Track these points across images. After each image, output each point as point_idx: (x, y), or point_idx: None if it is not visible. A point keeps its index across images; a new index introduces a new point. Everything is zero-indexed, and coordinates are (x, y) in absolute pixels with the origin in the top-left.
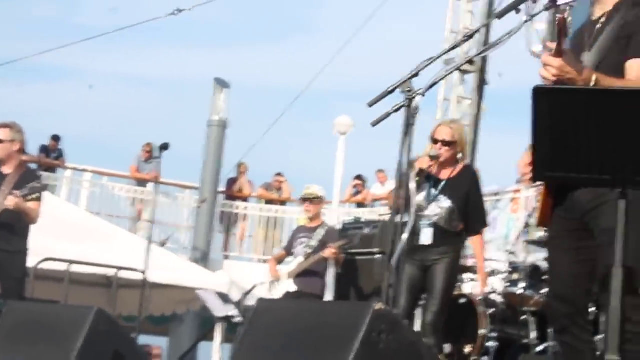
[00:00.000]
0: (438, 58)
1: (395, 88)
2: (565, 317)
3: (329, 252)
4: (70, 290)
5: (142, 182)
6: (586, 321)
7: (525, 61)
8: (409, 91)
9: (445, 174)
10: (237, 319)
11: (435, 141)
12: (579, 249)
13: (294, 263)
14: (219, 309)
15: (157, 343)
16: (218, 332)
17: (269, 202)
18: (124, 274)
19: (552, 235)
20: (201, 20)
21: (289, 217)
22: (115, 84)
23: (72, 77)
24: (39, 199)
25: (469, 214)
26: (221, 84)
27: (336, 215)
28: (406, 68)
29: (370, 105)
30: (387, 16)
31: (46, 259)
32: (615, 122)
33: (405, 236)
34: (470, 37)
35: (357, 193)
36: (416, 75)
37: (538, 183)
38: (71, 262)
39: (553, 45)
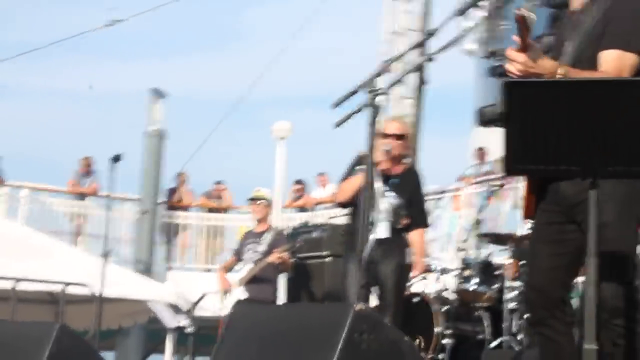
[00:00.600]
0: (399, 58)
1: (359, 88)
2: (543, 308)
3: (274, 257)
4: (17, 310)
5: (81, 196)
6: (563, 313)
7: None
8: (372, 91)
9: (392, 170)
10: (189, 329)
11: (385, 136)
12: (560, 241)
13: (244, 270)
14: (170, 320)
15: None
16: (169, 344)
17: (210, 210)
18: (70, 289)
19: (535, 227)
20: (137, 32)
21: (230, 224)
22: (50, 98)
23: (5, 93)
24: None
25: (412, 212)
26: (157, 94)
27: (277, 221)
28: (344, 72)
29: (335, 106)
30: (321, 21)
31: None
32: (583, 114)
33: (372, 236)
34: (432, 34)
35: (298, 198)
36: (378, 75)
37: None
38: (17, 279)
39: (518, 40)
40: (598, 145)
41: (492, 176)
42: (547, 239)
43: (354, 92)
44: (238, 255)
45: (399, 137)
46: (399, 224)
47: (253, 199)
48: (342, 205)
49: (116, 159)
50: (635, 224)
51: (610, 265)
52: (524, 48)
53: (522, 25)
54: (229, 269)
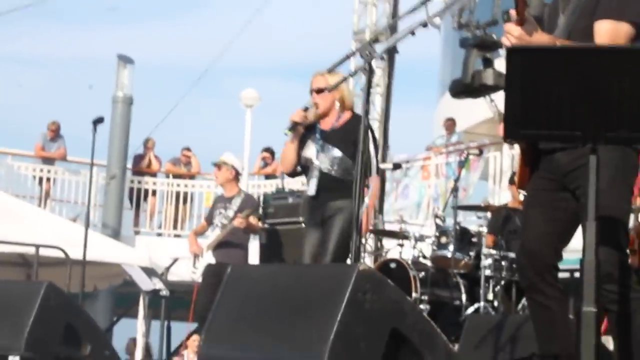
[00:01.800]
0: (392, 25)
1: (355, 52)
2: (535, 273)
3: (237, 221)
4: None
5: (48, 161)
6: (555, 278)
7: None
8: (368, 54)
9: (329, 124)
10: (164, 292)
11: (311, 92)
12: (554, 208)
13: (212, 235)
14: (146, 283)
15: None
16: (141, 307)
17: (177, 176)
18: (42, 252)
19: (529, 193)
20: None
21: (198, 191)
22: (15, 65)
23: None
24: None
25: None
26: (125, 60)
27: (245, 187)
28: (318, 43)
29: (330, 71)
30: None
31: None
32: (585, 80)
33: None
34: (427, 1)
35: (266, 165)
36: (376, 40)
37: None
38: None
39: (514, 13)
40: (598, 110)
41: (462, 146)
42: (541, 205)
43: (349, 56)
44: (209, 220)
45: (321, 91)
46: (345, 176)
47: (216, 165)
48: (290, 175)
49: (98, 121)
50: (629, 191)
51: (604, 232)
52: (520, 21)
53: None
54: (199, 233)
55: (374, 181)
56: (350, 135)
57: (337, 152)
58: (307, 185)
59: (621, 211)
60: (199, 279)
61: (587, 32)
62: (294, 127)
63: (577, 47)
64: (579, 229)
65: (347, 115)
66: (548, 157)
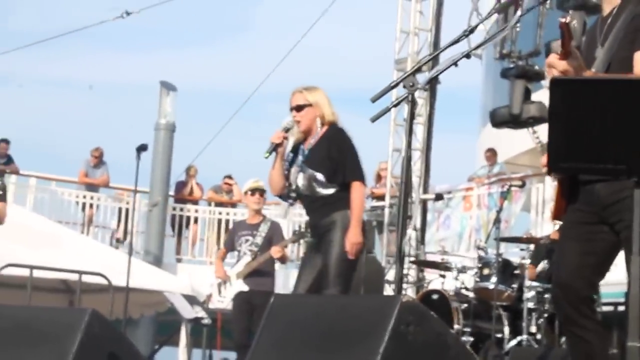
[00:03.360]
0: (437, 55)
1: (399, 83)
2: (570, 305)
3: (275, 251)
4: (32, 297)
5: (91, 187)
6: (592, 310)
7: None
8: (412, 86)
9: (309, 143)
10: (205, 321)
11: (291, 110)
12: (590, 240)
13: (242, 263)
14: (188, 311)
15: None
16: (183, 335)
17: (219, 204)
18: (85, 278)
19: (564, 225)
20: (148, 24)
21: (240, 219)
22: (58, 88)
23: (12, 83)
24: (3, 198)
25: (336, 172)
26: (167, 87)
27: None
28: (361, 70)
29: (374, 100)
30: (334, 16)
31: (8, 265)
32: (629, 112)
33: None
34: (472, 31)
35: None
36: (419, 70)
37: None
38: (33, 267)
39: (558, 45)
40: None
41: (504, 177)
42: (577, 237)
43: (392, 87)
44: (230, 246)
45: (301, 107)
46: (320, 193)
47: (253, 190)
48: (282, 198)
49: (142, 148)
50: None
51: None
52: (565, 55)
53: (566, 32)
54: (222, 259)
55: (355, 188)
56: (324, 150)
57: (312, 172)
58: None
59: None
60: (227, 306)
61: (627, 63)
62: (274, 149)
63: (619, 79)
64: (622, 261)
65: (323, 130)
66: (587, 189)
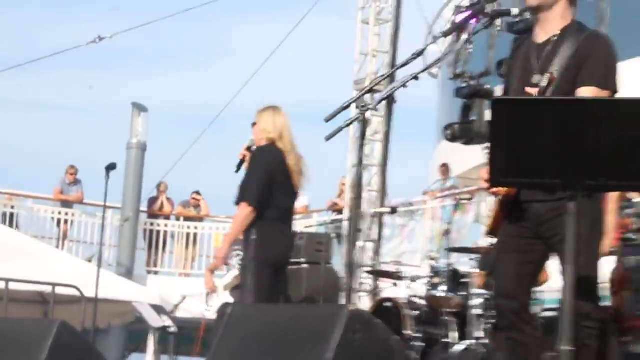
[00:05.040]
0: (388, 76)
1: (351, 104)
2: (512, 313)
3: None
4: (8, 309)
5: (66, 204)
6: (530, 317)
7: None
8: (363, 106)
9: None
10: (172, 329)
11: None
12: (527, 252)
13: (230, 275)
14: (155, 320)
15: None
16: (151, 343)
17: (188, 219)
18: (59, 290)
19: (502, 240)
20: (120, 48)
21: (207, 233)
22: (33, 110)
23: None
24: None
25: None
26: (139, 108)
27: None
28: (322, 90)
29: (327, 120)
30: (299, 40)
31: None
32: (565, 130)
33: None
34: (420, 54)
35: None
36: (370, 90)
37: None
38: (9, 280)
39: None
40: (578, 160)
41: (457, 191)
42: (515, 249)
43: (345, 108)
44: (224, 260)
45: (254, 125)
46: None
47: None
48: None
49: (111, 167)
50: (601, 238)
51: (584, 275)
52: None
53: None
54: (212, 272)
55: (240, 208)
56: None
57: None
58: None
59: (597, 255)
60: (212, 316)
61: (570, 94)
62: (240, 164)
63: (558, 99)
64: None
65: None
66: (525, 207)
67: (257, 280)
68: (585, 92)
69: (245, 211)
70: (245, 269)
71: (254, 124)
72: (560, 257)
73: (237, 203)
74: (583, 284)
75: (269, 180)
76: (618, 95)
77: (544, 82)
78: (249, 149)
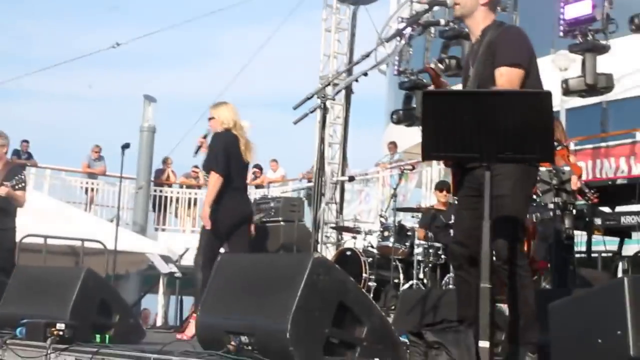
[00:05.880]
0: (344, 72)
1: (314, 95)
2: (463, 257)
3: None
4: (47, 259)
5: (92, 175)
6: (476, 262)
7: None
8: (323, 96)
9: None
10: (178, 275)
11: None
12: (475, 209)
13: None
14: (164, 267)
15: None
16: (161, 286)
17: (189, 187)
18: (87, 244)
19: (459, 199)
20: (134, 51)
21: (203, 197)
22: (67, 101)
23: (33, 97)
24: (24, 188)
25: (208, 163)
26: (149, 99)
27: None
28: (295, 83)
29: (295, 108)
30: (276, 44)
31: (28, 235)
32: (479, 115)
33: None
34: (367, 56)
35: (256, 178)
36: (329, 84)
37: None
38: (47, 236)
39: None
40: (491, 138)
41: (402, 163)
42: (467, 207)
43: (309, 98)
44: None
45: (210, 119)
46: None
47: None
48: None
49: (125, 146)
50: (525, 196)
51: (505, 226)
52: (437, 86)
53: (432, 73)
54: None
55: (210, 177)
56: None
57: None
58: None
59: (519, 210)
60: None
61: (492, 78)
62: (197, 149)
63: (473, 91)
64: None
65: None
66: (470, 171)
67: (207, 231)
68: (501, 72)
69: (214, 178)
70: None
71: (210, 119)
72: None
73: (207, 172)
74: (504, 234)
75: (227, 156)
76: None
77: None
78: (204, 137)
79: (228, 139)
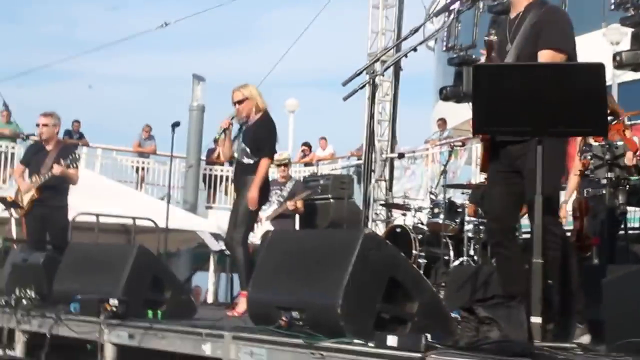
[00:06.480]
0: (393, 48)
1: (362, 70)
2: (499, 233)
3: (291, 205)
4: (99, 237)
5: (143, 155)
6: (514, 237)
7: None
8: (373, 73)
9: (248, 125)
10: (227, 252)
11: (234, 104)
12: (508, 184)
13: (270, 209)
14: (214, 245)
15: None
16: (211, 263)
17: None
18: (138, 222)
19: (490, 174)
20: (181, 31)
21: None
22: (117, 82)
23: (82, 78)
24: (77, 167)
25: (258, 148)
26: (198, 78)
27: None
28: (343, 61)
29: (344, 84)
30: (323, 22)
31: (80, 213)
32: (532, 89)
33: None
34: (416, 31)
35: (304, 156)
36: (377, 60)
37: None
38: (99, 214)
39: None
40: (542, 112)
41: (451, 139)
42: (499, 182)
43: (358, 74)
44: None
45: (240, 102)
46: (248, 161)
47: (278, 164)
48: (230, 163)
49: (175, 124)
50: (560, 171)
51: (545, 202)
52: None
53: (490, 46)
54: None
55: (262, 163)
56: (253, 131)
57: (243, 145)
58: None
59: (551, 186)
60: (257, 241)
61: (532, 58)
62: (223, 131)
63: (525, 64)
64: None
65: (257, 116)
66: (502, 147)
67: (251, 212)
68: (544, 54)
69: (266, 164)
70: (241, 203)
71: (242, 100)
72: (526, 186)
73: (257, 157)
74: (546, 209)
75: (275, 141)
76: (574, 57)
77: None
78: (232, 119)
79: (274, 123)
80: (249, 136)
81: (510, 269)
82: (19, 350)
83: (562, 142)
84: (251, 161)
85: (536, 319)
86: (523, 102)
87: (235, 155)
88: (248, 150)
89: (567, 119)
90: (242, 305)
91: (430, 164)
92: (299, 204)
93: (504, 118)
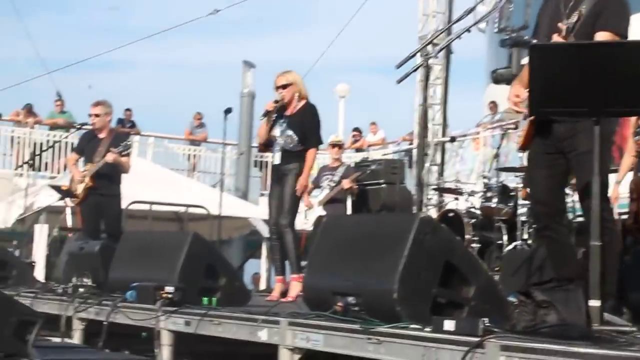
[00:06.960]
0: (445, 30)
1: (416, 53)
2: (546, 216)
3: (346, 183)
4: (152, 225)
5: (194, 142)
6: (562, 219)
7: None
8: (426, 55)
9: (289, 111)
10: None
11: (277, 88)
12: (552, 166)
13: (322, 194)
14: (267, 232)
15: None
16: (264, 250)
17: None
18: (190, 210)
19: (532, 156)
20: (233, 18)
21: None
22: (168, 70)
23: (134, 66)
24: (129, 154)
25: (306, 137)
26: (248, 64)
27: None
28: (393, 45)
29: (398, 66)
30: (373, 6)
31: (134, 202)
32: (589, 68)
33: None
34: (469, 12)
35: (356, 141)
36: (429, 43)
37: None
38: (152, 203)
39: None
40: (599, 91)
41: (503, 123)
42: (543, 164)
43: (411, 56)
44: (316, 183)
45: (285, 86)
46: (293, 149)
47: (333, 145)
48: (264, 145)
49: (228, 111)
50: (608, 152)
51: (588, 183)
52: None
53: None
54: (309, 193)
55: (310, 153)
56: (299, 119)
57: (290, 132)
58: (273, 156)
59: (607, 167)
60: (309, 228)
61: (588, 38)
62: (267, 114)
63: (581, 44)
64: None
65: (301, 104)
66: (547, 128)
67: (297, 197)
68: (602, 36)
69: (314, 153)
70: (287, 189)
71: (287, 85)
72: (576, 168)
73: (304, 146)
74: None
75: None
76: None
77: (573, 19)
78: (276, 102)
79: (319, 113)
80: (296, 124)
81: (561, 251)
82: (76, 337)
83: (612, 124)
84: (297, 149)
85: (595, 302)
86: (580, 82)
87: (279, 140)
88: (296, 137)
89: (624, 98)
90: (294, 290)
91: (482, 148)
92: (352, 184)
93: (561, 98)
